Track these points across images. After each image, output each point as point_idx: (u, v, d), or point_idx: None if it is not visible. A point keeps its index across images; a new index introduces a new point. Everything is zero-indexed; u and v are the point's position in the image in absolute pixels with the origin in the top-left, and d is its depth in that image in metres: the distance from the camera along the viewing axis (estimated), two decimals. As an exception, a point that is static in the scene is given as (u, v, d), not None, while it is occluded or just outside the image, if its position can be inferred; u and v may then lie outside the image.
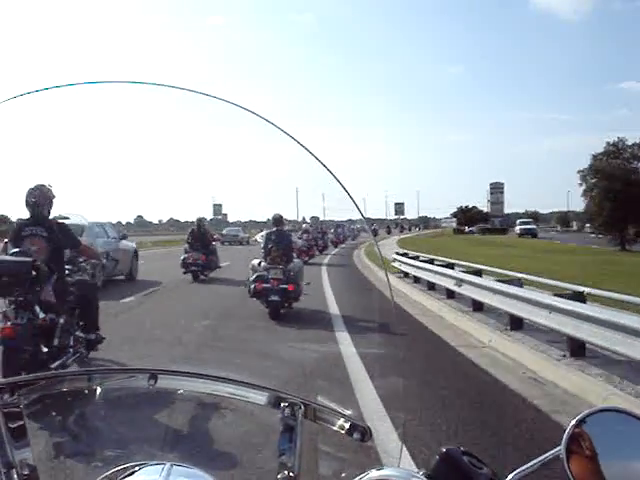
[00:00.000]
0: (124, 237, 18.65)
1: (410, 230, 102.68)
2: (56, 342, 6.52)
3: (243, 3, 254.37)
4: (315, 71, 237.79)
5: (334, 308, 13.49)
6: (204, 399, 3.49)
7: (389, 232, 79.34)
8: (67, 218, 8.13)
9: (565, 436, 1.08)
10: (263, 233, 14.23)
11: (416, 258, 20.30)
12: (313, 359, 8.24)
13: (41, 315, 6.35)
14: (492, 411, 6.54)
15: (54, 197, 7.02)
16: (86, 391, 1.33)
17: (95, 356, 7.34)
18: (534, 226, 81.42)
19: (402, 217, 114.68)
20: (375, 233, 49.66)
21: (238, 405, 1.46)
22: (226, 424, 4.83)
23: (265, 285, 11.82)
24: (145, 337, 9.09)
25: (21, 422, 1.19)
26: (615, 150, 76.51)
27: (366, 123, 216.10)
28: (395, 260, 21.30)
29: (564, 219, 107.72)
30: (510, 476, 1.08)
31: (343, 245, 47.12)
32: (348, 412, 1.31)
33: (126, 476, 1.11)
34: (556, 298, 9.06)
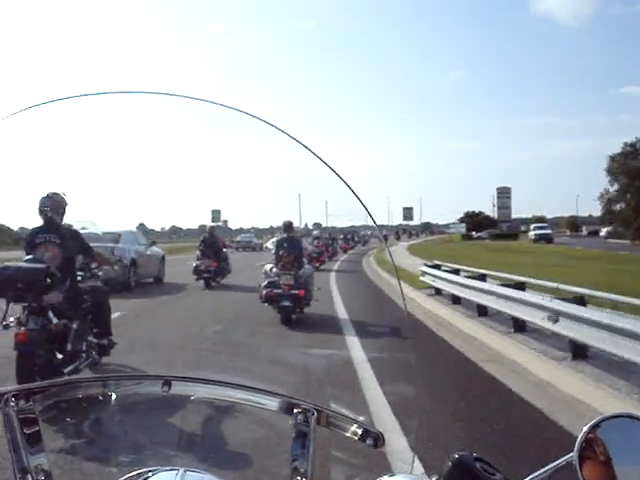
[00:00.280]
0: (153, 243, 19.85)
1: (418, 236, 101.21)
2: (69, 347, 6.60)
3: (243, 11, 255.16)
4: (316, 77, 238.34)
5: (347, 327, 11.67)
6: (217, 405, 3.50)
7: (398, 238, 79.05)
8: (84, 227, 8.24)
9: (578, 442, 1.08)
10: (274, 239, 14.31)
11: (456, 273, 16.34)
12: (325, 367, 8.23)
13: (54, 321, 6.43)
14: None
15: (67, 205, 7.12)
16: (100, 397, 1.34)
17: (108, 361, 7.41)
18: (549, 231, 76.95)
19: (411, 223, 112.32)
20: (386, 239, 49.61)
21: (251, 411, 1.45)
22: (239, 430, 4.83)
23: (277, 291, 11.88)
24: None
25: (36, 428, 1.20)
26: (634, 150, 75.73)
27: (368, 129, 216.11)
28: (424, 274, 17.78)
29: (573, 224, 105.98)
30: None
31: (352, 251, 47.06)
32: (361, 418, 1.31)
33: None
34: None
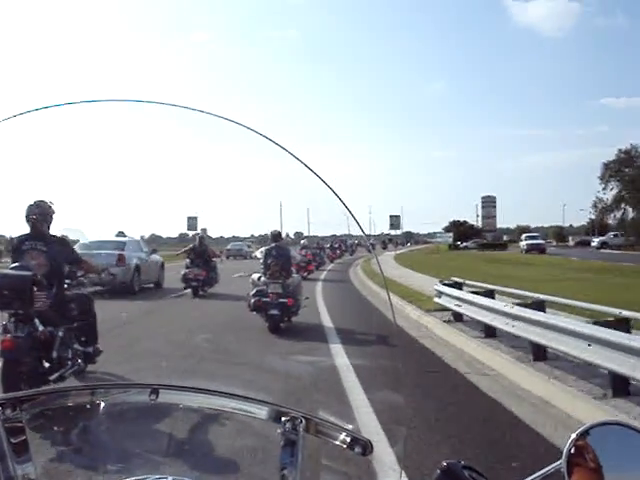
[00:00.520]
0: (154, 251, 22.07)
1: (404, 245, 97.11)
2: (55, 355, 6.59)
3: (226, 20, 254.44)
4: (298, 87, 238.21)
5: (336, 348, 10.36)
6: (206, 413, 3.49)
7: (385, 247, 77.98)
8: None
9: (566, 450, 1.08)
10: (262, 249, 14.35)
11: (489, 294, 12.20)
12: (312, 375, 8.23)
13: (40, 328, 6.41)
14: None
15: (54, 213, 7.12)
16: (88, 406, 1.33)
17: (94, 369, 7.42)
18: (542, 241, 73.16)
19: (393, 232, 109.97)
20: (372, 248, 49.60)
21: (239, 419, 1.45)
22: (227, 438, 4.81)
23: (265, 299, 11.89)
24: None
25: (23, 437, 1.19)
26: (628, 157, 75.84)
27: (348, 139, 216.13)
28: (440, 295, 13.86)
29: (559, 234, 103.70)
30: None
31: (339, 260, 46.94)
32: (349, 426, 1.31)
33: None
34: None
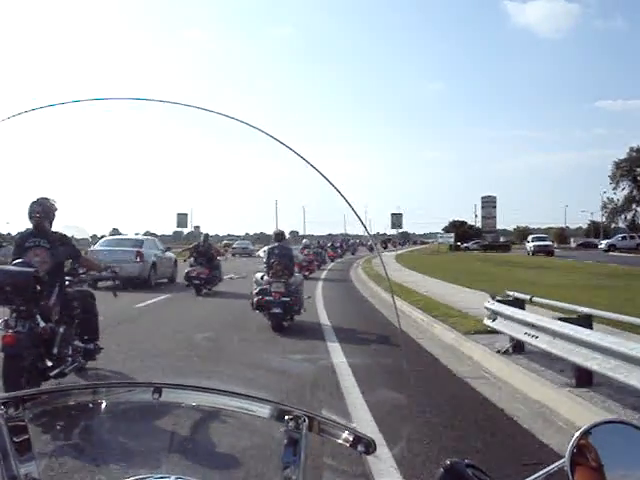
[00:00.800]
0: (168, 249, 23.87)
1: (403, 245, 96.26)
2: (55, 351, 6.62)
3: (221, 17, 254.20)
4: (294, 85, 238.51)
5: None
6: (208, 412, 3.49)
7: (385, 247, 77.23)
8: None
9: (569, 448, 1.08)
10: (265, 248, 14.41)
11: (587, 323, 7.98)
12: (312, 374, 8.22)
13: (42, 324, 6.45)
14: None
15: (56, 210, 7.16)
16: (91, 404, 1.33)
17: (94, 365, 7.47)
18: (550, 242, 69.97)
19: (389, 232, 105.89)
20: (371, 249, 49.67)
21: (242, 418, 1.45)
22: (230, 437, 4.82)
23: (267, 298, 11.94)
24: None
25: (26, 436, 1.19)
26: (639, 157, 74.42)
27: (345, 138, 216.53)
28: (495, 316, 9.89)
29: (561, 235, 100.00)
30: None
31: (341, 260, 46.86)
32: (352, 425, 1.30)
33: None
34: None
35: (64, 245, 7.18)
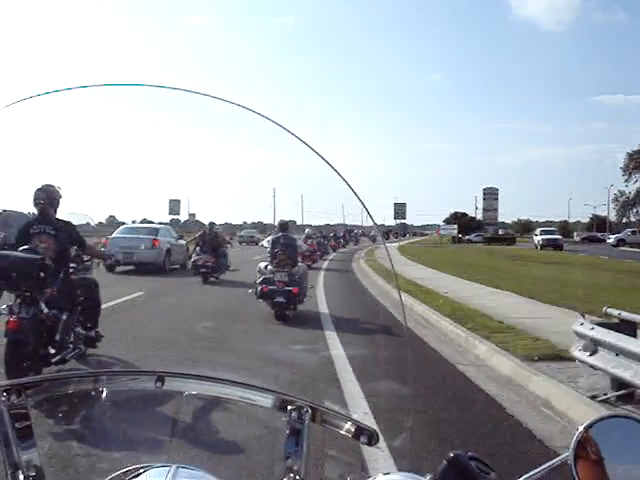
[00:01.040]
0: (181, 237, 25.06)
1: (403, 237, 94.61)
2: (58, 338, 6.66)
3: (224, 4, 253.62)
4: (293, 75, 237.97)
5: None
6: (211, 402, 3.50)
7: (387, 238, 76.02)
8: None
9: (573, 442, 1.07)
10: (269, 238, 14.45)
11: None
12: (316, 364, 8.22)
13: (45, 311, 6.48)
14: None
15: (61, 197, 7.18)
16: (93, 392, 1.33)
17: (94, 352, 7.55)
18: (559, 236, 66.73)
19: (393, 223, 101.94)
20: (374, 240, 49.60)
21: (245, 408, 1.44)
22: (232, 427, 4.83)
23: (271, 287, 12.03)
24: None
25: (28, 423, 1.19)
26: (655, 148, 72.86)
27: (343, 129, 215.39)
28: (595, 347, 6.58)
29: (565, 229, 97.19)
30: None
31: (343, 250, 46.85)
32: (355, 416, 1.30)
33: (132, 478, 1.11)
34: None
35: (69, 232, 7.20)
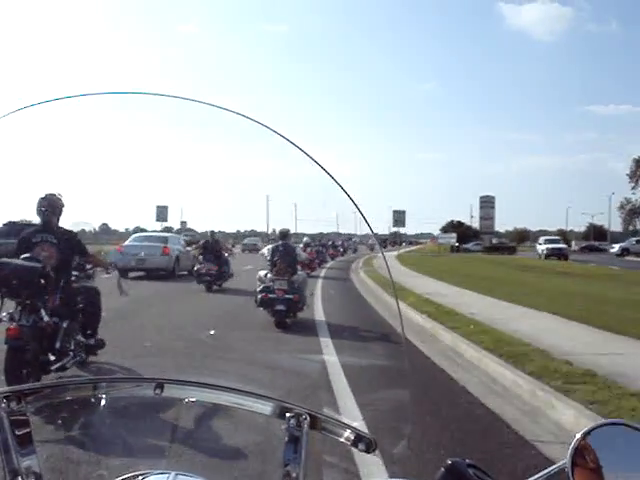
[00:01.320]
0: (189, 245, 25.76)
1: (400, 246, 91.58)
2: (58, 345, 6.67)
3: (215, 12, 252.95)
4: (287, 84, 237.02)
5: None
6: (210, 409, 3.50)
7: (385, 247, 75.40)
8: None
9: (570, 449, 1.07)
10: (269, 246, 14.47)
11: None
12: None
13: (46, 318, 6.49)
14: None
15: (64, 206, 7.20)
16: (92, 399, 1.33)
17: (96, 360, 7.53)
18: (564, 245, 65.24)
19: (386, 232, 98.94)
20: (372, 248, 49.66)
21: (243, 415, 1.44)
22: (231, 434, 4.82)
23: (271, 295, 12.05)
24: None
25: (27, 429, 1.19)
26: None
27: (336, 138, 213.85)
28: None
29: (563, 238, 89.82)
30: None
31: (341, 258, 46.71)
32: (354, 423, 1.30)
33: None
34: None
35: (71, 241, 7.23)
